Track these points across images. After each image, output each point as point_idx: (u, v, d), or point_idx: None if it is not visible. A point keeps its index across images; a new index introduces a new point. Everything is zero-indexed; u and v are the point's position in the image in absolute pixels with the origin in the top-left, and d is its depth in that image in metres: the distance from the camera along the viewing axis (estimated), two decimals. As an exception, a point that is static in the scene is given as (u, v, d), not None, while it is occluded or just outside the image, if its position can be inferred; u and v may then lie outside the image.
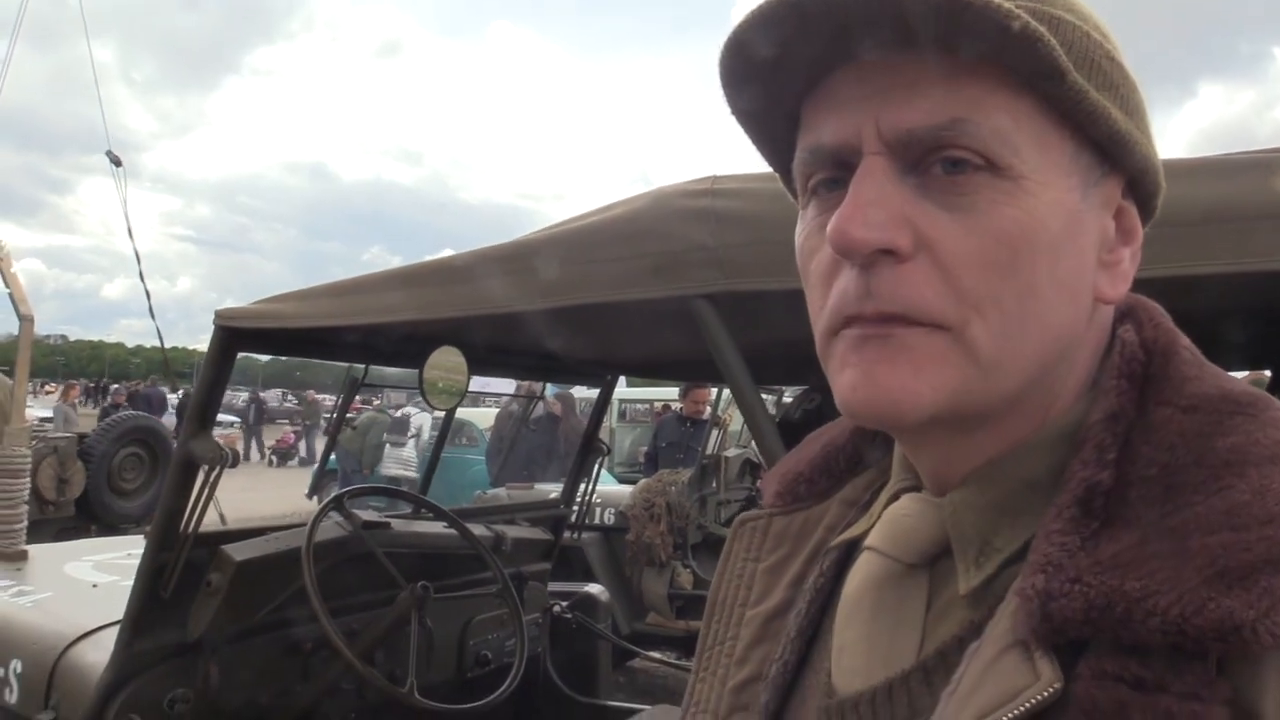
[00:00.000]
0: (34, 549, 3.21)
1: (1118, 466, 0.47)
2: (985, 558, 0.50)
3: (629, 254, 1.55)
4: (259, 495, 10.81)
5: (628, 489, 5.73)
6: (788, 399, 5.54)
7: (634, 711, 2.82)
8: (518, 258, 1.69)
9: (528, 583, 2.96)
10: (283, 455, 19.76)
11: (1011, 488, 0.51)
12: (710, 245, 1.47)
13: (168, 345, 7.74)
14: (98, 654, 2.04)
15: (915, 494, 0.55)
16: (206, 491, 1.97)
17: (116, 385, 20.95)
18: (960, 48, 0.45)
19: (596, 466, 3.30)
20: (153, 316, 6.48)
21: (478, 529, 2.66)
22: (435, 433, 4.79)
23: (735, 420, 6.16)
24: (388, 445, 10.28)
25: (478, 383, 2.70)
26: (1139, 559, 0.42)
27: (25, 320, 4.37)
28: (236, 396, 24.45)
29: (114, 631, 2.01)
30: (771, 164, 0.58)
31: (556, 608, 3.10)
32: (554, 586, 3.22)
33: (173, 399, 14.79)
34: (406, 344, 2.28)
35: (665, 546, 5.21)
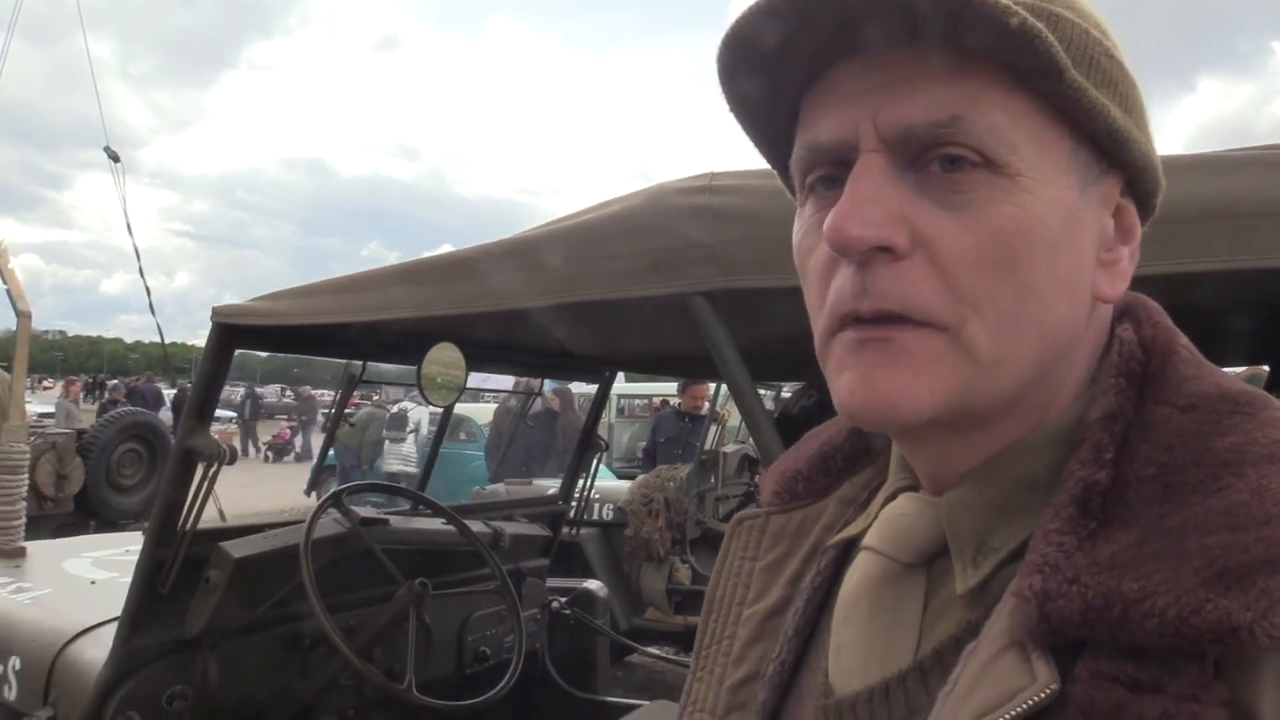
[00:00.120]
0: (32, 545, 3.20)
1: (1116, 466, 0.46)
2: (982, 558, 0.50)
3: (627, 251, 1.55)
4: (256, 491, 10.84)
5: (626, 485, 5.73)
6: (786, 394, 5.55)
7: (632, 707, 2.82)
8: (516, 254, 1.69)
9: (526, 579, 2.97)
10: (279, 450, 19.77)
11: (1009, 487, 0.50)
12: (708, 242, 1.47)
13: (167, 340, 7.72)
14: (96, 650, 2.05)
15: (913, 493, 0.55)
16: (205, 488, 1.97)
17: (114, 381, 20.92)
18: (960, 43, 0.45)
19: (595, 462, 3.30)
20: (153, 312, 6.47)
21: (476, 525, 2.66)
22: (434, 428, 4.79)
23: (734, 416, 6.16)
24: (387, 441, 10.28)
25: (476, 378, 2.70)
26: (1137, 559, 0.42)
27: (23, 316, 4.35)
28: (233, 392, 24.40)
29: (113, 628, 2.02)
30: (769, 161, 0.58)
31: (555, 603, 3.11)
32: (552, 582, 3.22)
33: (168, 394, 14.77)
34: (405, 340, 2.27)
35: (663, 542, 5.22)
